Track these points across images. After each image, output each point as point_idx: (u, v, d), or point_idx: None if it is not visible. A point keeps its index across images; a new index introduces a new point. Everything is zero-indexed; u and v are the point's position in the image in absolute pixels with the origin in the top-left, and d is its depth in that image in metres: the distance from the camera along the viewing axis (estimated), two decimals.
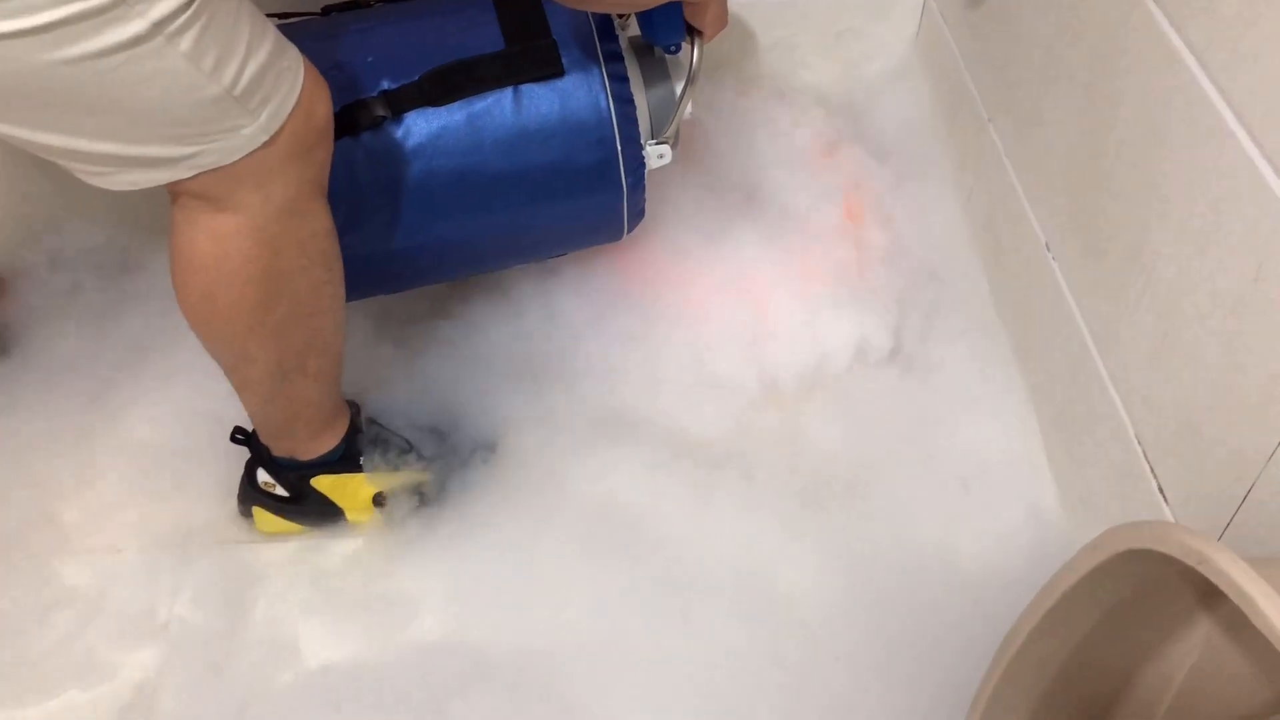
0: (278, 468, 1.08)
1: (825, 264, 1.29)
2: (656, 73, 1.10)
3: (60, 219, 1.37)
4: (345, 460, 1.09)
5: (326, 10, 1.15)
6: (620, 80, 1.06)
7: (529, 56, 1.05)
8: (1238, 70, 0.79)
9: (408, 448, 1.13)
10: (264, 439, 1.07)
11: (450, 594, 1.08)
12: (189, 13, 0.71)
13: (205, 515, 1.14)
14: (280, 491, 1.09)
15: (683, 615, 1.05)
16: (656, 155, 1.10)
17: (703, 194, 1.32)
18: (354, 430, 1.09)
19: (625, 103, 1.06)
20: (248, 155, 0.81)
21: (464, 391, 1.20)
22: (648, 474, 1.15)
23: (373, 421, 1.12)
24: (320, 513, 1.11)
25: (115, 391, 1.22)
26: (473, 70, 1.04)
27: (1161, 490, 0.93)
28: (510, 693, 1.01)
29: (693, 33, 1.05)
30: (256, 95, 0.79)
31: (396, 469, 1.11)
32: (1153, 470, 0.94)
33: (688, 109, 1.09)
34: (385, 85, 1.03)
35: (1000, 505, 1.12)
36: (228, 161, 0.81)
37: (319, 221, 0.91)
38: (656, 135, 1.10)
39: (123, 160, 0.78)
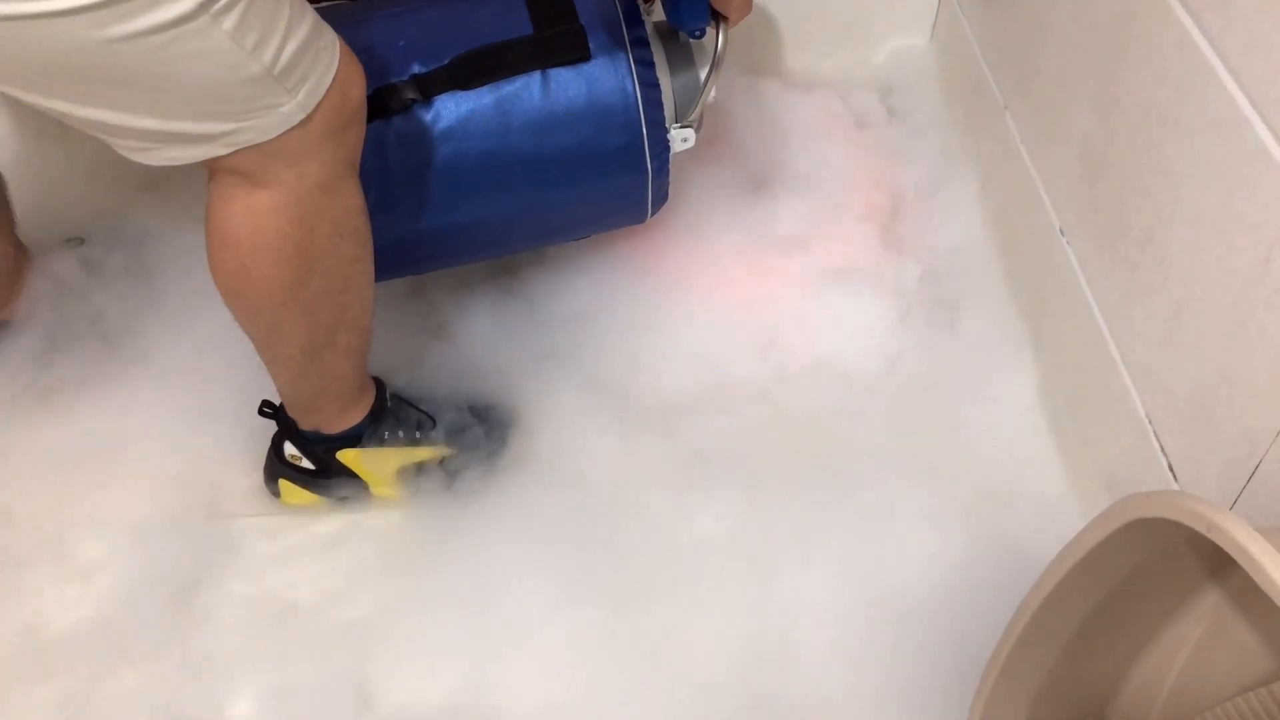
0: (304, 441, 1.11)
1: (841, 249, 1.31)
2: (681, 57, 1.11)
3: (88, 196, 1.40)
4: (371, 434, 1.11)
5: None
6: (646, 65, 1.07)
7: (557, 41, 1.07)
8: (1252, 56, 0.81)
9: (432, 423, 1.15)
10: (292, 413, 1.09)
11: (470, 568, 1.10)
12: None
13: (232, 486, 1.16)
14: (306, 464, 1.12)
15: (689, 602, 1.07)
16: (681, 139, 1.12)
17: (722, 180, 1.34)
18: (380, 405, 1.11)
19: (651, 87, 1.08)
20: (285, 133, 0.83)
21: (488, 369, 1.23)
22: (658, 460, 1.17)
23: (398, 397, 1.14)
24: (345, 486, 1.13)
25: (140, 364, 1.25)
26: (501, 55, 1.06)
27: (1171, 468, 0.95)
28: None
29: (718, 18, 1.06)
30: (295, 74, 0.81)
31: (420, 444, 1.14)
32: (1162, 449, 0.96)
33: (712, 93, 1.10)
34: (415, 69, 1.05)
35: (1012, 483, 1.13)
36: (265, 139, 0.83)
37: (351, 199, 0.93)
38: (681, 119, 1.12)
39: (164, 136, 0.80)
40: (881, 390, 1.23)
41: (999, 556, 1.06)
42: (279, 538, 1.14)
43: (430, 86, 1.05)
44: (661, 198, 1.17)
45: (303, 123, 0.83)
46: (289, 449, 1.12)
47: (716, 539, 1.11)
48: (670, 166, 1.13)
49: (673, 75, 1.11)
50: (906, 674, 1.01)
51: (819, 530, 1.11)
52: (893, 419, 1.20)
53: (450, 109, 1.05)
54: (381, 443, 1.12)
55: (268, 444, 1.13)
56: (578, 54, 1.06)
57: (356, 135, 0.91)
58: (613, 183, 1.12)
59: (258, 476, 1.15)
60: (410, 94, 1.04)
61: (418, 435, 1.14)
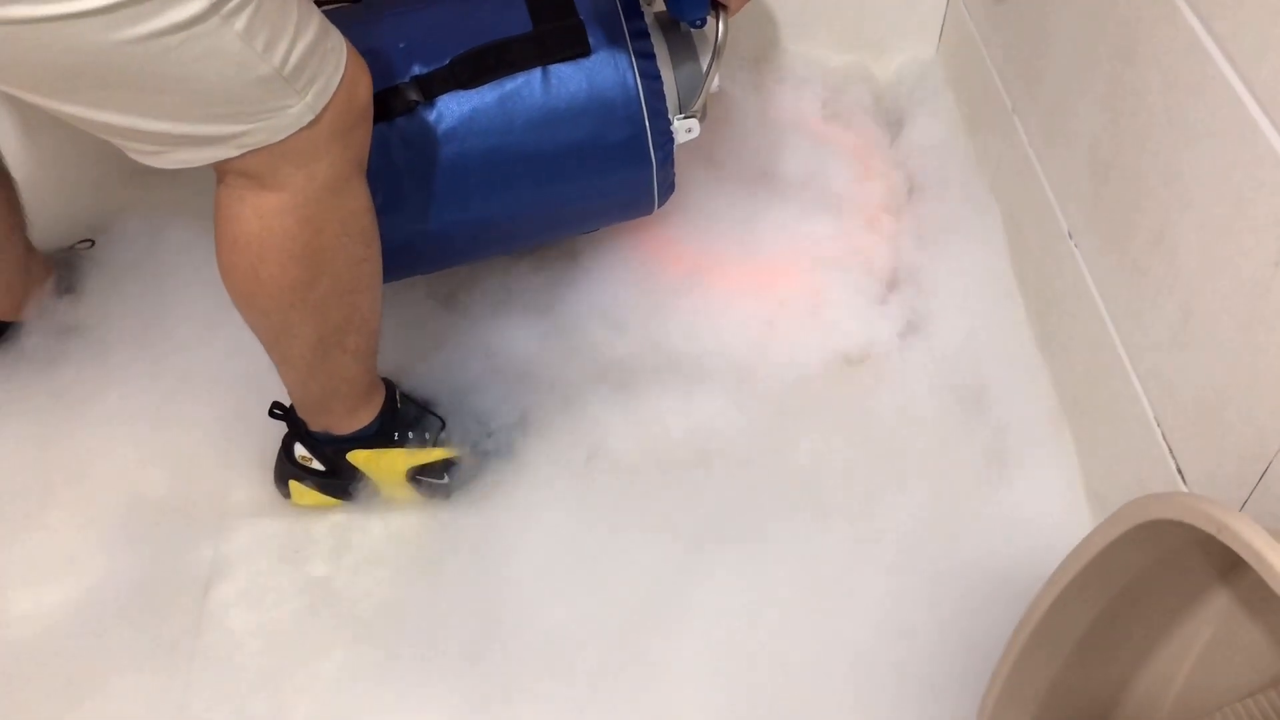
0: (314, 442, 1.11)
1: (847, 249, 1.31)
2: (682, 48, 1.12)
3: (97, 198, 1.40)
4: (380, 435, 1.11)
5: None
6: (647, 57, 1.08)
7: (556, 37, 1.07)
8: (1262, 60, 0.81)
9: (441, 425, 1.15)
10: (302, 414, 1.09)
11: (480, 567, 1.11)
12: None
13: (242, 487, 1.17)
14: (316, 466, 1.12)
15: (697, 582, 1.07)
16: (685, 129, 1.12)
17: (726, 177, 1.34)
18: (390, 406, 1.12)
19: (652, 79, 1.08)
20: (293, 134, 0.83)
21: (497, 369, 1.23)
22: (666, 461, 1.18)
23: (408, 398, 1.15)
24: (355, 487, 1.13)
25: (150, 366, 1.25)
26: (502, 52, 1.06)
27: (1180, 471, 0.94)
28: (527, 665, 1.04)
29: (717, 7, 1.06)
30: (304, 75, 0.81)
31: (430, 445, 1.14)
32: (1171, 451, 0.96)
33: (715, 83, 1.10)
34: (417, 70, 1.05)
35: (1020, 486, 1.13)
36: (274, 140, 0.83)
37: (359, 200, 0.93)
38: (684, 109, 1.12)
39: (175, 139, 0.81)
40: (885, 390, 1.23)
41: (1007, 558, 1.06)
42: (288, 538, 1.14)
43: (432, 87, 1.05)
44: (668, 188, 1.17)
45: (311, 123, 0.84)
46: (299, 450, 1.12)
47: (727, 531, 1.11)
48: (676, 157, 1.13)
49: (674, 66, 1.11)
50: (915, 675, 1.01)
51: (828, 525, 1.11)
52: (898, 418, 1.21)
53: (453, 108, 1.06)
54: (391, 444, 1.12)
55: (278, 445, 1.13)
56: (578, 49, 1.07)
57: (364, 135, 0.91)
58: (618, 176, 1.13)
59: (268, 477, 1.15)
60: (413, 95, 1.04)
61: (427, 436, 1.14)
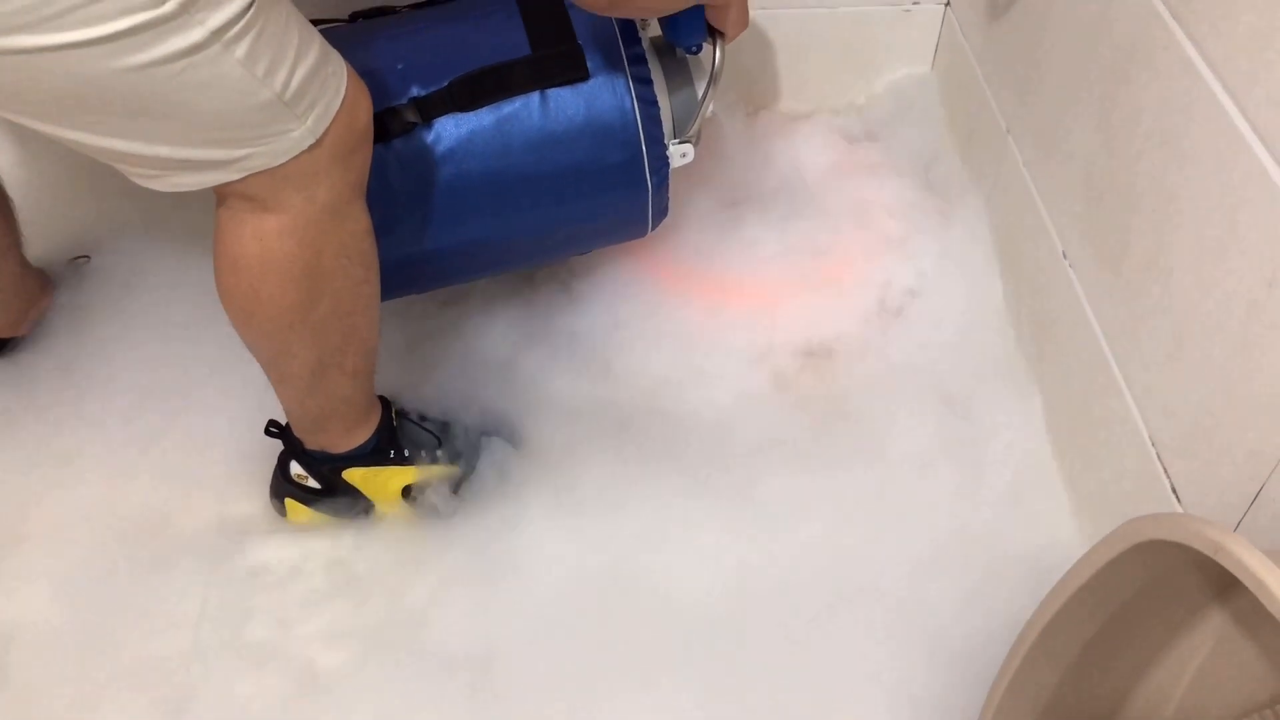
0: (310, 460, 1.11)
1: (837, 269, 1.32)
2: (678, 73, 1.12)
3: (94, 214, 1.40)
4: (376, 453, 1.11)
5: (355, 17, 1.18)
6: (644, 83, 1.08)
7: (555, 61, 1.07)
8: (1254, 84, 0.82)
9: (437, 443, 1.15)
10: (298, 433, 1.09)
11: (474, 586, 1.11)
12: (245, 20, 0.74)
13: (238, 504, 1.17)
14: (312, 484, 1.12)
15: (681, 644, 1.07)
16: (680, 154, 1.12)
17: (719, 200, 1.35)
18: (386, 424, 1.12)
19: (649, 104, 1.08)
20: (294, 158, 0.84)
21: (492, 387, 1.23)
22: (657, 476, 1.18)
23: (404, 416, 1.15)
24: (351, 505, 1.13)
25: (146, 383, 1.25)
26: (501, 76, 1.07)
27: (1175, 491, 0.95)
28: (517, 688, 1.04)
29: (714, 34, 1.07)
30: (305, 99, 0.82)
31: (426, 462, 1.14)
32: (1166, 471, 0.96)
33: (710, 108, 1.11)
34: (415, 92, 1.06)
35: (1015, 507, 1.14)
36: (275, 164, 0.83)
37: (358, 222, 0.93)
38: (679, 134, 1.13)
39: (176, 163, 0.81)
40: (877, 411, 1.23)
41: (1005, 577, 1.06)
42: (283, 556, 1.14)
43: (430, 109, 1.05)
44: (662, 212, 1.17)
45: (312, 147, 0.84)
46: (295, 468, 1.12)
47: (725, 557, 1.12)
48: (670, 182, 1.14)
49: (670, 92, 1.12)
50: (909, 695, 1.01)
51: (810, 549, 1.11)
52: (888, 439, 1.20)
53: (451, 130, 1.06)
54: (387, 462, 1.13)
55: (273, 463, 1.13)
56: (576, 74, 1.07)
57: (364, 158, 0.91)
58: (614, 199, 1.13)
59: (264, 495, 1.15)
60: (411, 117, 1.05)
61: (423, 454, 1.14)
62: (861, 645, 1.04)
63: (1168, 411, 0.96)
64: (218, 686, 1.04)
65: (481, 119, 1.06)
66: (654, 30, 1.13)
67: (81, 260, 1.35)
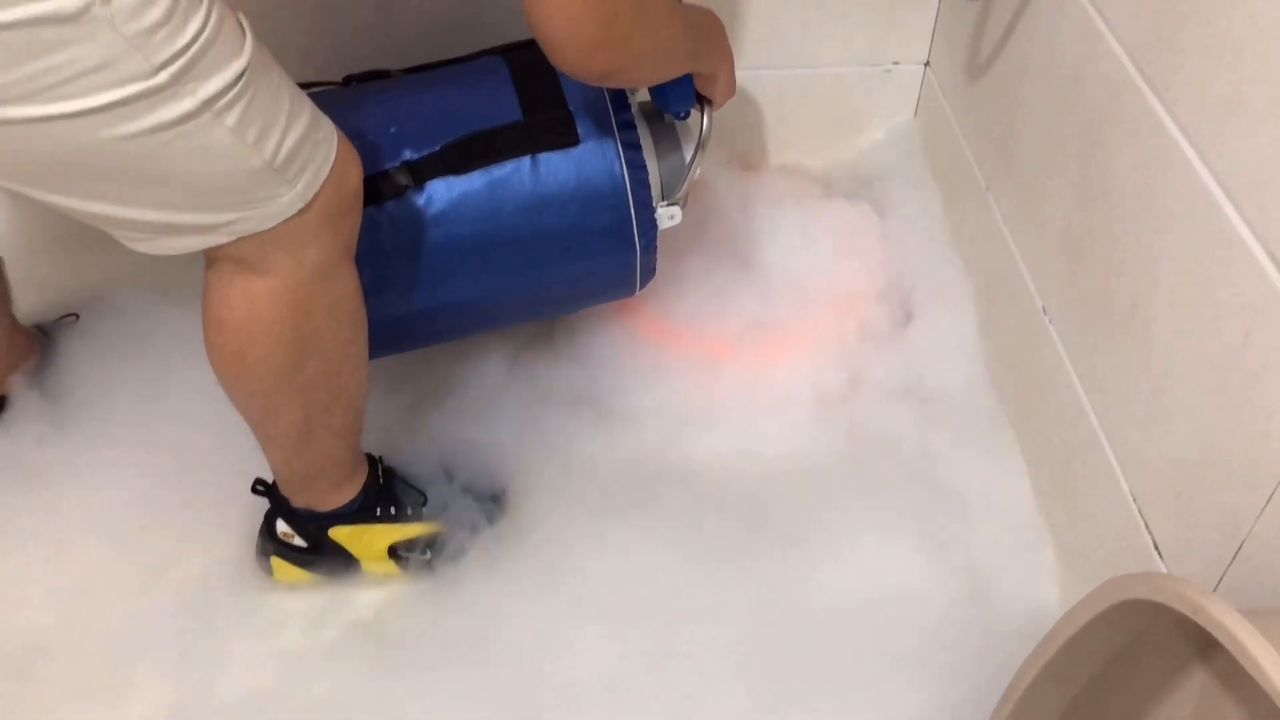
0: (297, 519, 1.11)
1: (823, 329, 1.33)
2: (666, 137, 1.14)
3: (82, 272, 1.41)
4: (363, 511, 1.12)
5: (348, 80, 1.19)
6: (633, 148, 1.10)
7: (546, 127, 1.09)
8: (1224, 148, 0.83)
9: (424, 500, 1.15)
10: (284, 490, 1.10)
11: (463, 644, 1.10)
12: (236, 89, 0.76)
13: (224, 563, 1.16)
14: (298, 542, 1.12)
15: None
16: (668, 216, 1.14)
17: (705, 260, 1.36)
18: (372, 482, 1.12)
19: (638, 169, 1.10)
20: (284, 221, 0.85)
21: (479, 445, 1.23)
22: (650, 531, 1.18)
23: (391, 474, 1.15)
24: (337, 563, 1.13)
25: (132, 441, 1.24)
26: (492, 140, 1.08)
27: (1156, 546, 0.96)
28: None
29: (702, 101, 1.09)
30: (294, 165, 0.83)
31: (413, 521, 1.14)
32: (1147, 526, 0.97)
33: (697, 171, 1.13)
34: (408, 155, 1.07)
35: (996, 562, 1.14)
36: (265, 228, 0.84)
37: (347, 284, 0.94)
38: (668, 197, 1.14)
39: (166, 228, 0.82)
40: (859, 468, 1.24)
41: (985, 634, 1.06)
42: (269, 615, 1.13)
43: (422, 171, 1.06)
44: (650, 272, 1.19)
45: (301, 211, 0.85)
46: (281, 526, 1.12)
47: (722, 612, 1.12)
48: (658, 243, 1.15)
49: (659, 156, 1.13)
50: None
51: (795, 602, 1.12)
52: (870, 495, 1.21)
53: (442, 193, 1.07)
54: (373, 519, 1.13)
55: (259, 521, 1.13)
56: (566, 139, 1.09)
57: (353, 222, 0.92)
58: (602, 261, 1.14)
59: (250, 553, 1.15)
60: (403, 179, 1.06)
61: (410, 512, 1.14)
62: (843, 708, 1.04)
63: (1149, 467, 0.97)
64: None
65: (473, 182, 1.07)
66: (643, 95, 1.15)
67: (69, 319, 1.35)
